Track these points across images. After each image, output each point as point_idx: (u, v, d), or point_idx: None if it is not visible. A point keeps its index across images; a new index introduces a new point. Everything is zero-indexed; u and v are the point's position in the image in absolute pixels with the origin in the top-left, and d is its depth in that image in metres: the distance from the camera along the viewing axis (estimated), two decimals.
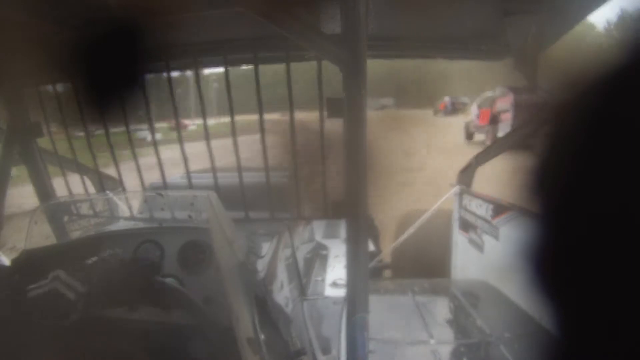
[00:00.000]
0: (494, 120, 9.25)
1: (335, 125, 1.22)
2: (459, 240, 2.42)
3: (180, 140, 1.68)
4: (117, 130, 1.66)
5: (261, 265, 1.33)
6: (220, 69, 1.62)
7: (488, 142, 8.86)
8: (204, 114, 1.63)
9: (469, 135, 10.55)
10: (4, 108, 1.62)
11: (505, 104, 8.91)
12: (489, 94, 9.81)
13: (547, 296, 0.33)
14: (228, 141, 1.60)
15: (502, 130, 8.57)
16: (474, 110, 10.28)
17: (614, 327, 0.30)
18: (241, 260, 1.00)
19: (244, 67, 1.79)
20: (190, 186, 1.64)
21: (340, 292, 1.68)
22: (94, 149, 1.74)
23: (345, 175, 1.15)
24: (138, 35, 1.08)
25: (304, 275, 1.84)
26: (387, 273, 2.87)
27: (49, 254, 1.18)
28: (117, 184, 1.92)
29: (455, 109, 13.42)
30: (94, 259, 1.03)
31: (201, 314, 0.98)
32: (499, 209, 1.97)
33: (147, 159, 1.80)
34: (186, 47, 1.52)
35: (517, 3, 1.34)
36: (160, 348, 1.04)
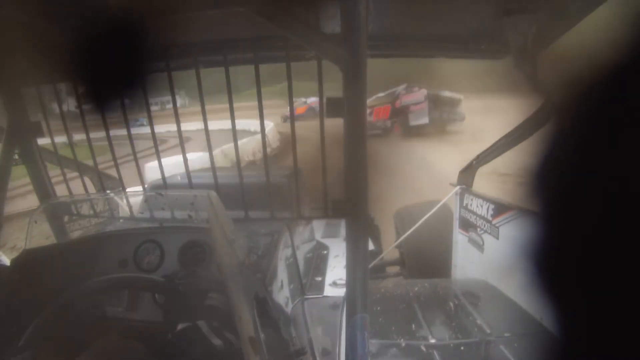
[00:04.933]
0: (399, 112, 10.46)
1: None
2: (459, 239, 2.42)
3: (181, 140, 1.68)
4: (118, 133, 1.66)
5: (261, 265, 1.33)
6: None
7: (396, 132, 10.36)
8: (203, 113, 1.63)
9: None
10: (4, 108, 1.62)
11: (415, 97, 10.34)
12: (380, 94, 10.86)
13: (548, 295, 0.34)
14: None
15: (417, 117, 10.14)
16: None
17: (615, 327, 0.30)
18: (241, 260, 1.00)
19: None
20: (191, 186, 1.64)
21: (340, 292, 1.68)
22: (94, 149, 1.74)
23: (345, 175, 1.15)
24: (138, 35, 1.07)
25: (304, 275, 1.84)
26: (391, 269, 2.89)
27: (49, 254, 1.18)
28: (117, 184, 1.92)
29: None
30: None
31: (201, 314, 0.98)
32: (500, 208, 1.97)
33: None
34: (186, 47, 1.52)
35: (517, 3, 1.34)
36: (161, 348, 1.04)
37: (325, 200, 1.50)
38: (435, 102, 10.46)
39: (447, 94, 10.81)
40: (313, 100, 14.16)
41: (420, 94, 10.67)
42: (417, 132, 10.27)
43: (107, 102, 1.43)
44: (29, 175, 1.72)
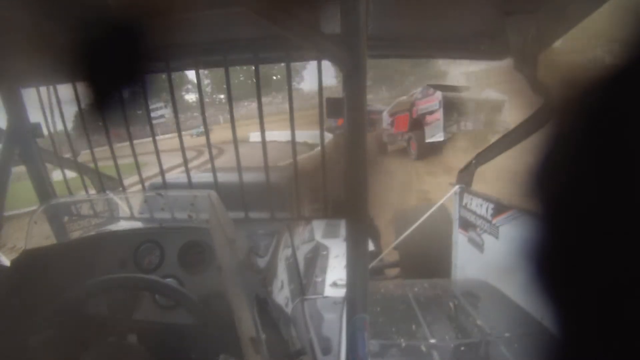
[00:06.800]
0: (416, 125, 7.83)
1: None
2: (459, 239, 2.42)
3: (180, 140, 1.68)
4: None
5: (261, 265, 1.33)
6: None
7: (413, 150, 7.90)
8: (203, 114, 1.63)
9: (382, 147, 8.66)
10: (4, 108, 1.62)
11: (430, 104, 7.49)
12: (402, 98, 8.45)
13: (548, 295, 0.34)
14: None
15: (431, 132, 7.41)
16: (385, 118, 8.54)
17: (615, 327, 0.30)
18: (241, 260, 1.00)
19: None
20: (191, 186, 1.64)
21: (340, 292, 1.68)
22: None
23: (345, 175, 1.15)
24: (138, 35, 1.07)
25: (304, 275, 1.84)
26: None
27: (49, 254, 1.18)
28: (117, 184, 1.92)
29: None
30: None
31: (201, 314, 0.98)
32: (499, 208, 1.97)
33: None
34: (186, 47, 1.52)
35: (517, 3, 1.34)
36: (160, 348, 1.04)
37: (325, 201, 1.50)
38: (456, 107, 6.97)
39: (486, 95, 7.14)
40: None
41: (434, 98, 7.42)
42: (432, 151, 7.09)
43: (107, 101, 1.43)
44: (29, 175, 1.72)
